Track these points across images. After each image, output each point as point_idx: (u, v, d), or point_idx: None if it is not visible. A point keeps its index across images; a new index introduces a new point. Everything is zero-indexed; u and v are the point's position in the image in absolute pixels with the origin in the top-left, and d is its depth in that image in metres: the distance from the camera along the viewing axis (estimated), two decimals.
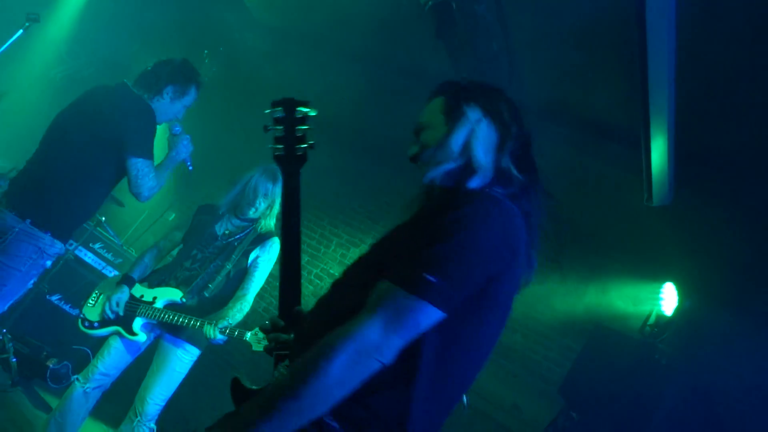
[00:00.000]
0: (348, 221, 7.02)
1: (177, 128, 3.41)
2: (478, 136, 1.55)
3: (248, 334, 3.16)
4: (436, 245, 1.30)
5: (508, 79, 3.97)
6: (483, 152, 1.53)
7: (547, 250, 5.64)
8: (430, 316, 1.26)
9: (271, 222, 3.69)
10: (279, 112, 1.82)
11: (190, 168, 3.54)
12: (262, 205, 3.59)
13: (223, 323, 3.23)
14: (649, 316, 4.34)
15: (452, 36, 3.58)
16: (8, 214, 2.87)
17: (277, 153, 1.81)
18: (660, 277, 4.65)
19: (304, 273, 6.80)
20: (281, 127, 1.82)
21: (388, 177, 6.81)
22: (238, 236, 3.63)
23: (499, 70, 3.83)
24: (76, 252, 5.55)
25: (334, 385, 1.21)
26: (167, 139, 3.45)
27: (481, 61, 3.73)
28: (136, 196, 3.17)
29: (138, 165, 3.08)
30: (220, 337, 3.21)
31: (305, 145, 1.81)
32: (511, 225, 1.39)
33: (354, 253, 6.82)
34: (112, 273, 5.70)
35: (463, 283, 1.30)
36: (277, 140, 1.82)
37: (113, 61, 7.18)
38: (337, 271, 6.80)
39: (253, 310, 3.81)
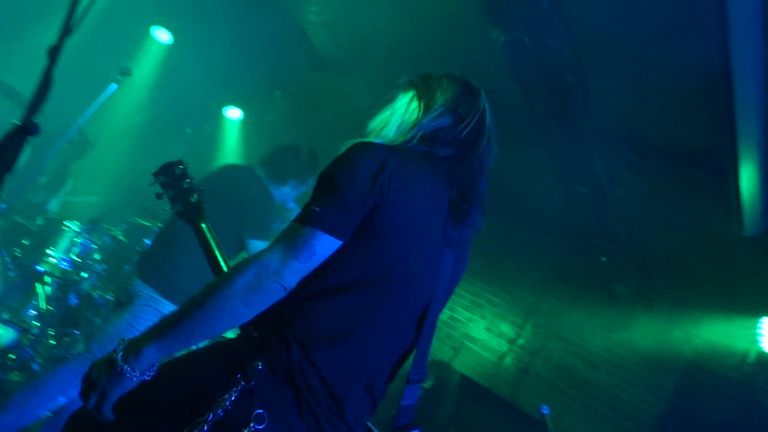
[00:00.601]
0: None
1: (291, 204, 3.58)
2: (399, 112, 1.81)
3: None
4: (319, 185, 1.52)
5: (584, 110, 3.89)
6: (398, 122, 1.78)
7: (630, 284, 5.43)
8: (321, 240, 1.43)
9: None
10: (162, 178, 2.04)
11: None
12: None
13: None
14: (746, 354, 4.05)
15: (525, 69, 3.55)
16: (137, 281, 3.09)
17: (176, 211, 2.02)
18: (756, 311, 4.36)
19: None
20: (170, 190, 2.05)
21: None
22: None
23: (575, 101, 3.75)
24: None
25: (236, 300, 1.36)
26: (283, 212, 3.68)
27: (554, 92, 3.67)
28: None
29: (258, 246, 3.25)
30: None
31: (196, 195, 2.03)
32: (377, 161, 1.52)
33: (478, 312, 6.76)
34: None
35: (341, 209, 1.46)
36: (172, 201, 2.04)
37: (192, 104, 7.55)
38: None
39: None
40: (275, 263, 1.40)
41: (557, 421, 3.88)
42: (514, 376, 5.87)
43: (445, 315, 6.53)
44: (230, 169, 3.47)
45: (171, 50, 7.16)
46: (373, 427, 1.69)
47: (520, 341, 6.02)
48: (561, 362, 5.72)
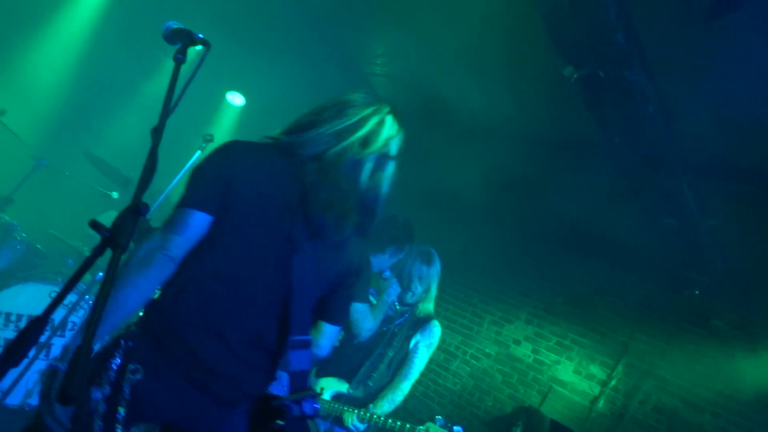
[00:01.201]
0: (500, 297, 6.85)
1: (387, 273, 3.65)
2: None
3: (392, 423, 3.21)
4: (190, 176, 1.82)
5: (667, 140, 3.75)
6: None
7: (729, 317, 5.10)
8: (192, 215, 1.72)
9: (429, 305, 3.69)
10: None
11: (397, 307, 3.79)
12: (418, 288, 3.63)
13: (362, 413, 3.29)
14: None
15: (602, 105, 3.48)
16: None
17: None
18: None
19: (458, 353, 6.78)
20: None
21: (536, 250, 6.63)
22: (398, 322, 3.66)
23: (657, 132, 3.63)
24: None
25: (135, 273, 1.64)
26: (379, 282, 3.77)
27: (634, 122, 3.57)
28: (356, 336, 3.45)
29: (358, 309, 3.36)
30: (357, 424, 3.26)
31: None
32: (226, 151, 1.84)
33: (509, 330, 6.60)
34: None
35: (201, 189, 1.77)
36: None
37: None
38: (492, 350, 6.59)
39: (411, 395, 3.77)
40: (159, 239, 1.70)
41: None
42: (609, 421, 5.56)
43: (529, 358, 6.33)
44: None
45: (244, 112, 7.49)
46: (276, 395, 1.80)
47: (612, 383, 5.73)
48: (659, 404, 5.39)
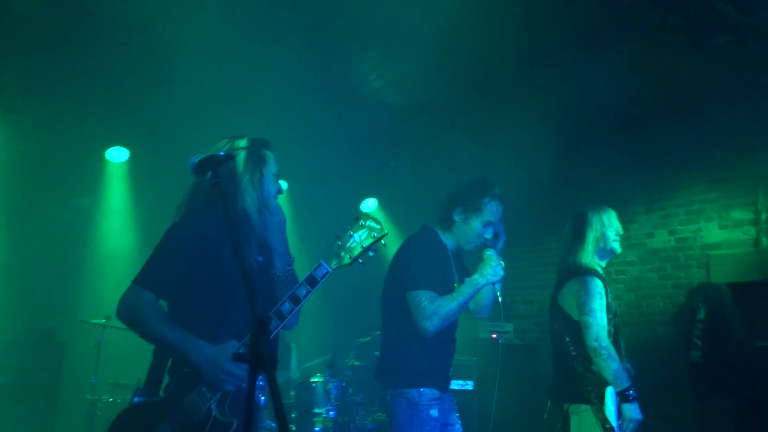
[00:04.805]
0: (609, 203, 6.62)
1: (489, 251, 3.10)
2: None
3: None
4: None
5: None
6: None
7: None
8: (136, 291, 2.16)
9: None
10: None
11: (500, 299, 3.14)
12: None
13: None
14: None
15: None
16: (387, 392, 3.05)
17: None
18: None
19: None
20: None
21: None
22: None
23: None
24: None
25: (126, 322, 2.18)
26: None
27: None
28: (419, 330, 2.92)
29: (413, 297, 2.95)
30: None
31: None
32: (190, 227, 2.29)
33: (635, 229, 6.33)
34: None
35: (150, 270, 2.21)
36: None
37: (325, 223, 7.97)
38: (632, 256, 6.34)
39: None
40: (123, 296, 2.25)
41: None
42: None
43: (670, 243, 6.07)
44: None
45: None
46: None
47: (763, 216, 5.41)
48: None
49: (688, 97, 5.70)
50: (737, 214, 5.59)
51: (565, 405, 3.26)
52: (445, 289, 3.03)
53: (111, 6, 4.22)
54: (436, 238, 3.19)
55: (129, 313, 2.15)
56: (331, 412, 5.05)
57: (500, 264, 3.03)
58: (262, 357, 1.44)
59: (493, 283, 3.04)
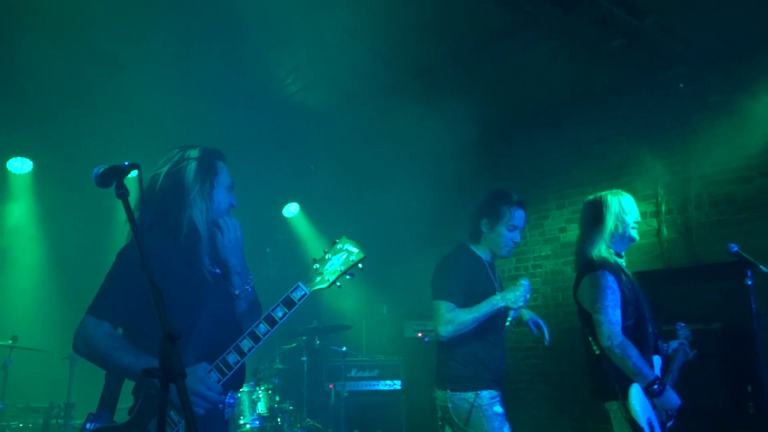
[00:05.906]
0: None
1: (525, 280, 3.32)
2: None
3: None
4: None
5: None
6: None
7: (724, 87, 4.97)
8: (92, 322, 2.08)
9: None
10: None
11: (507, 323, 3.52)
12: None
13: None
14: None
15: None
16: (437, 391, 3.37)
17: None
18: None
19: (520, 273, 6.77)
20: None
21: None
22: None
23: None
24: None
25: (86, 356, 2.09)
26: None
27: None
28: (437, 335, 3.33)
29: (435, 305, 3.32)
30: None
31: None
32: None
33: (549, 224, 6.60)
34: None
35: (105, 298, 2.13)
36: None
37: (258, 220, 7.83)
38: (547, 250, 6.60)
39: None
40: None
41: (751, 249, 3.66)
42: (682, 241, 5.60)
43: None
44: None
45: None
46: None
47: (663, 207, 5.77)
48: (713, 198, 5.42)
49: (592, 96, 6.04)
50: (640, 207, 5.90)
51: (606, 404, 3.17)
52: (482, 295, 3.30)
53: (12, 11, 4.01)
54: (468, 252, 3.49)
55: (87, 346, 2.05)
56: (256, 422, 4.97)
57: (525, 297, 3.26)
58: (174, 371, 1.42)
59: (510, 309, 3.28)
